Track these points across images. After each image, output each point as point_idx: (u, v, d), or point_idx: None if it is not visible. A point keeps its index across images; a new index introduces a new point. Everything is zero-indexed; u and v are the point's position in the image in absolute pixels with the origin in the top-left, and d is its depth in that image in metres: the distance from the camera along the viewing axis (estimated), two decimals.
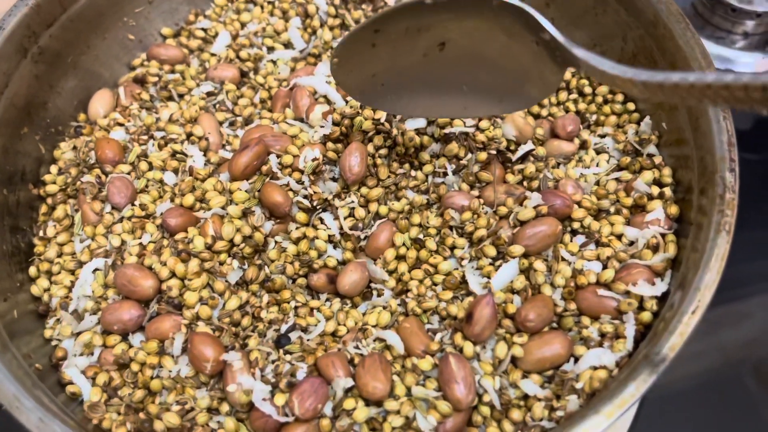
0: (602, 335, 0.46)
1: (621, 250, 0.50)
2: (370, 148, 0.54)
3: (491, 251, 0.50)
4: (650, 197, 0.52)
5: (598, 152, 0.57)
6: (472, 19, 0.43)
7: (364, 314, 0.51)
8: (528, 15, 0.41)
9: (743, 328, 0.68)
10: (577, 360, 0.46)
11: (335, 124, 0.55)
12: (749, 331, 0.68)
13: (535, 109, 0.59)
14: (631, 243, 0.50)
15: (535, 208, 0.51)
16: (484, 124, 0.54)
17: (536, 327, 0.46)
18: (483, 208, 0.52)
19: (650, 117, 0.56)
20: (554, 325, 0.48)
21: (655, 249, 0.49)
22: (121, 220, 0.54)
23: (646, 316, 0.46)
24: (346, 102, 0.57)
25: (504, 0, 0.41)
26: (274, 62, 0.66)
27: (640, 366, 0.40)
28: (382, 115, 0.54)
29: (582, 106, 0.60)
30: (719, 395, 0.64)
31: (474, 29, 0.43)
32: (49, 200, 0.58)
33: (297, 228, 0.53)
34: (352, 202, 0.54)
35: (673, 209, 0.50)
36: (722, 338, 0.67)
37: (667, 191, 0.51)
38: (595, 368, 0.45)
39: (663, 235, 0.49)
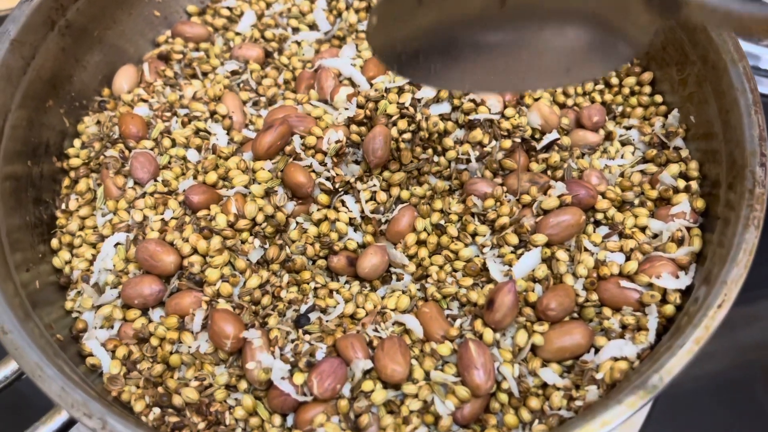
0: (623, 327, 0.46)
1: (645, 242, 0.49)
2: (394, 132, 0.54)
3: (513, 239, 0.50)
4: (676, 190, 0.51)
5: (623, 144, 0.57)
6: None
7: (383, 298, 0.51)
8: None
9: (753, 331, 0.68)
10: (597, 351, 0.45)
11: (359, 106, 0.55)
12: (759, 334, 0.68)
13: (561, 98, 0.59)
14: (655, 236, 0.50)
15: (559, 197, 0.50)
16: (509, 111, 0.54)
17: (557, 316, 0.46)
18: (506, 196, 0.52)
19: (678, 110, 0.55)
20: (575, 315, 0.48)
21: (679, 242, 0.48)
22: (143, 195, 0.54)
23: (669, 309, 0.46)
24: (371, 85, 0.57)
25: None
26: (298, 43, 0.65)
27: (663, 358, 0.39)
28: (406, 100, 0.54)
29: (608, 97, 0.59)
30: (730, 396, 0.64)
31: None
32: (72, 174, 0.58)
33: (318, 209, 0.53)
34: (374, 185, 0.53)
35: (699, 203, 0.50)
36: (733, 340, 0.66)
37: (694, 185, 0.51)
38: (616, 359, 0.44)
39: (688, 229, 0.49)
